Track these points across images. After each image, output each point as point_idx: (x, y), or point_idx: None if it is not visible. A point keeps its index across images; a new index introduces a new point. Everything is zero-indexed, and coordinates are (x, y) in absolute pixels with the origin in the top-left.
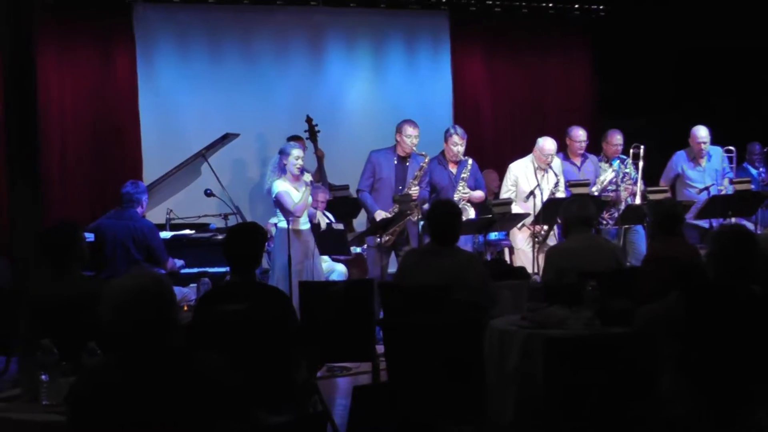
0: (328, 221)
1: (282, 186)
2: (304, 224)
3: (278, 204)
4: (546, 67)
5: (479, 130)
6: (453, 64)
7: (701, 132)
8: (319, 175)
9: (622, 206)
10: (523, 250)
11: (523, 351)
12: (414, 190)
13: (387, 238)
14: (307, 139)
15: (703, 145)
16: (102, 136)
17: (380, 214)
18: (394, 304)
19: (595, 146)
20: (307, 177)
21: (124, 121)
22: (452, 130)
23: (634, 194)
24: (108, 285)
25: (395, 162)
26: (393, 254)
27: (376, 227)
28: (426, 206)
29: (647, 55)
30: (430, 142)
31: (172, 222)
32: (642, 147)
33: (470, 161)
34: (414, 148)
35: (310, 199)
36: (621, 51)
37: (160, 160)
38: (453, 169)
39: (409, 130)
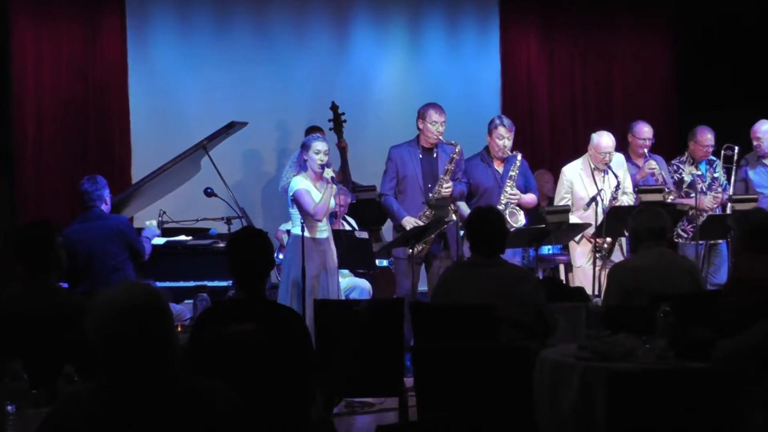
0: (350, 229)
1: (302, 183)
2: (322, 231)
3: (296, 203)
4: (614, 49)
5: (532, 123)
6: (502, 44)
7: (763, 126)
8: (341, 173)
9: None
10: (583, 267)
11: (581, 387)
12: (447, 188)
13: (420, 247)
14: (330, 129)
15: (763, 142)
16: (84, 124)
17: (409, 222)
18: (427, 328)
19: (674, 145)
20: (329, 173)
21: (111, 106)
22: (497, 121)
23: (723, 204)
24: (94, 298)
25: (420, 155)
26: (423, 267)
27: (407, 237)
28: (463, 206)
29: (742, 34)
30: (473, 136)
31: (166, 226)
32: (736, 148)
33: (519, 157)
34: (440, 137)
35: (332, 201)
36: (708, 29)
37: (152, 153)
38: (499, 167)
39: (434, 115)
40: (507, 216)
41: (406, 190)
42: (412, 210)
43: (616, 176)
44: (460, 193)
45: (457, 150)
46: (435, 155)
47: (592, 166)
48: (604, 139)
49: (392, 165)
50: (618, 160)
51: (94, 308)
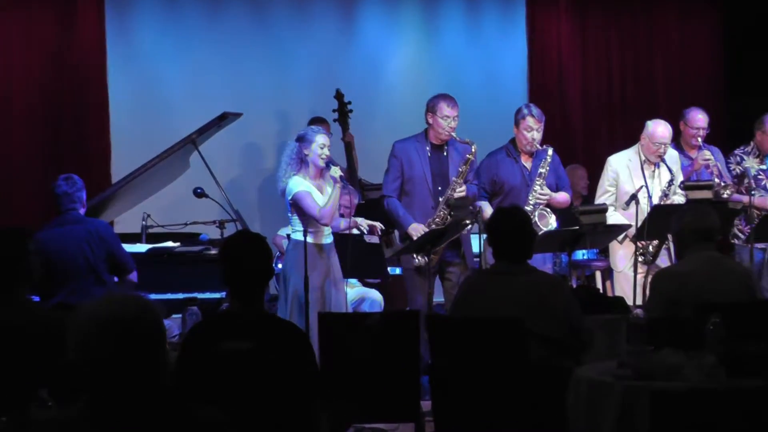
0: (357, 233)
1: (302, 184)
2: (327, 236)
3: (296, 207)
4: (655, 29)
5: (564, 113)
6: (529, 24)
7: None
8: (347, 169)
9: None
10: (624, 272)
11: (621, 409)
12: (460, 191)
13: (430, 257)
14: (335, 120)
15: None
16: (58, 116)
17: (416, 229)
18: (446, 344)
19: (722, 134)
20: (336, 171)
21: (87, 95)
22: (525, 111)
23: None
24: (76, 311)
25: (428, 153)
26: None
27: (423, 242)
28: (486, 207)
29: None
30: (497, 128)
31: (150, 231)
32: None
33: (550, 151)
34: (452, 132)
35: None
36: (758, 4)
37: (134, 148)
38: (527, 162)
39: (446, 109)
40: (536, 218)
41: (412, 192)
42: (419, 216)
43: (670, 170)
44: (472, 195)
45: (473, 150)
46: (445, 153)
47: (643, 158)
48: (660, 128)
49: (396, 163)
50: (672, 155)
51: (77, 322)
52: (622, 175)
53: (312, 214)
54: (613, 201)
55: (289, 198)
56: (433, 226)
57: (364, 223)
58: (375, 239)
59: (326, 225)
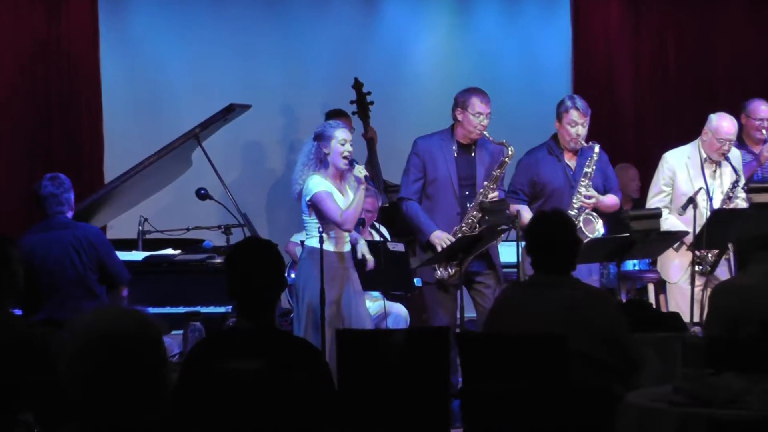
0: (380, 239)
1: (322, 183)
2: (347, 243)
3: (316, 210)
4: (717, 14)
5: (612, 106)
6: (574, 5)
7: None
8: (369, 169)
9: None
10: (679, 286)
11: None
12: (493, 197)
13: (453, 270)
14: (354, 113)
15: None
16: (45, 108)
17: (440, 238)
18: (479, 364)
19: None
20: (361, 170)
21: (78, 86)
22: (569, 103)
23: None
24: (69, 327)
25: (455, 153)
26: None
27: (454, 249)
28: (525, 212)
29: None
30: (537, 123)
31: (147, 237)
32: None
33: (597, 148)
34: (484, 131)
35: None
36: None
37: (129, 145)
38: (570, 161)
39: (478, 105)
40: (581, 224)
41: (435, 195)
42: (441, 223)
43: (735, 170)
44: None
45: (509, 153)
46: (473, 154)
47: (704, 156)
48: (725, 123)
49: (418, 162)
50: (735, 155)
51: (67, 339)
52: (680, 175)
53: (333, 218)
54: (668, 203)
55: (308, 198)
56: (460, 234)
57: (365, 250)
58: (400, 246)
59: (348, 230)
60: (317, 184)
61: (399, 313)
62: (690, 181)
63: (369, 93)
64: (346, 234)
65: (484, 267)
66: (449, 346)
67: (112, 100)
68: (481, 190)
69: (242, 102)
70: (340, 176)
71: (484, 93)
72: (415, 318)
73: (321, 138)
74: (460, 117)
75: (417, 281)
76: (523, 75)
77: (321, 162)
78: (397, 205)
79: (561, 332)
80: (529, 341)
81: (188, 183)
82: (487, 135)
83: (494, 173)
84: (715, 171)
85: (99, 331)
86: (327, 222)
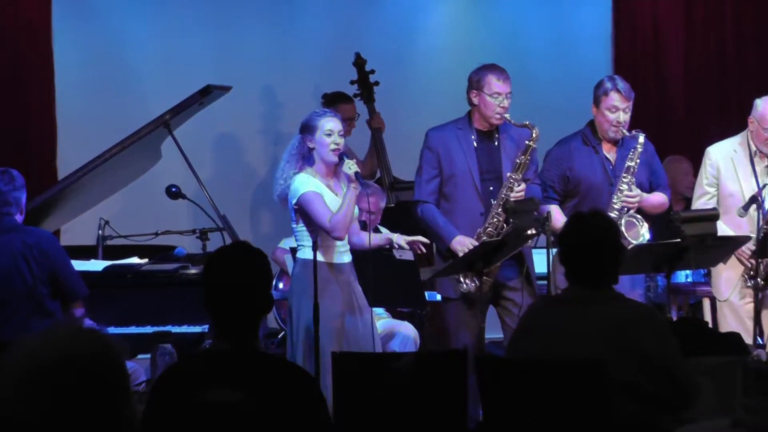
0: (386, 245)
1: (310, 183)
2: (343, 253)
3: (302, 214)
4: None
5: (661, 89)
6: None
7: None
8: (373, 163)
9: None
10: (731, 303)
11: None
12: (519, 191)
13: (486, 280)
14: (355, 96)
15: None
16: None
17: (463, 243)
18: (503, 394)
19: None
20: (351, 166)
21: (25, 64)
22: (608, 85)
23: None
24: (10, 350)
25: (474, 143)
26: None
27: (473, 258)
28: (556, 213)
29: None
30: (570, 108)
31: (109, 243)
32: None
33: (641, 138)
34: (505, 114)
35: (356, 209)
36: None
37: (87, 134)
38: (610, 153)
39: (495, 83)
40: (623, 228)
41: (453, 195)
42: (464, 226)
43: None
44: (536, 200)
45: (534, 136)
46: (496, 142)
47: (753, 149)
48: None
49: (432, 157)
50: None
51: (11, 364)
52: (724, 171)
53: (321, 223)
54: (715, 205)
55: (294, 201)
56: (485, 237)
57: (402, 240)
58: (408, 255)
59: (339, 238)
60: (303, 183)
61: (407, 333)
62: (737, 178)
63: (373, 71)
64: (339, 243)
65: (515, 277)
66: (466, 373)
67: (67, 80)
68: (506, 182)
69: (220, 83)
70: (333, 172)
71: (502, 69)
72: (427, 339)
73: (305, 129)
74: (476, 100)
75: (430, 296)
76: (554, 52)
77: (304, 158)
78: (405, 205)
79: (599, 357)
80: (561, 368)
81: (157, 179)
82: (509, 118)
83: (518, 160)
84: (767, 166)
85: (46, 356)
86: (316, 228)
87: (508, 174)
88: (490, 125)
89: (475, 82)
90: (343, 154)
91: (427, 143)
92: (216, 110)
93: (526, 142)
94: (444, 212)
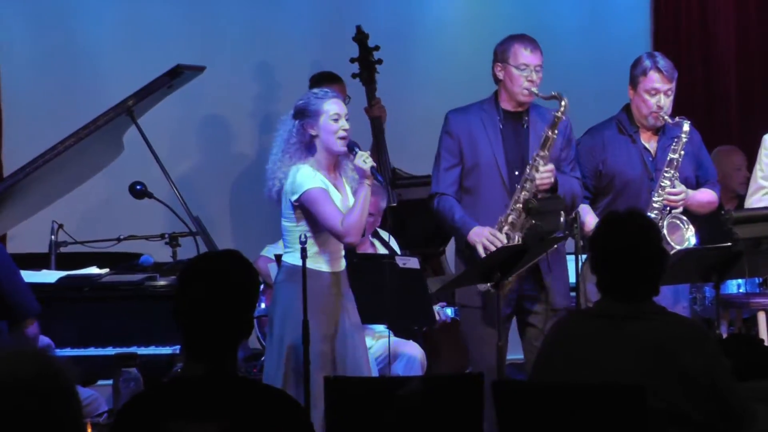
0: (385, 252)
1: (315, 177)
2: (341, 259)
3: (307, 214)
4: None
5: (707, 69)
6: None
7: None
8: (376, 156)
9: None
10: None
11: None
12: (544, 174)
13: (506, 283)
14: (354, 76)
15: None
16: None
17: (482, 235)
18: (526, 424)
19: None
20: (365, 159)
21: None
22: (648, 63)
23: None
24: None
25: (500, 125)
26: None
27: (488, 265)
28: (586, 212)
29: None
30: (604, 90)
31: (63, 250)
32: None
33: (686, 126)
34: (534, 89)
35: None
36: None
37: (37, 124)
38: (649, 142)
39: (522, 53)
40: (665, 230)
41: (476, 187)
42: (487, 222)
43: None
44: (570, 193)
45: (562, 106)
46: (525, 125)
47: None
48: None
49: (452, 143)
50: None
51: None
52: None
53: (332, 227)
54: None
55: (295, 198)
56: (506, 227)
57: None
58: (413, 261)
59: (352, 244)
60: (309, 177)
61: (412, 354)
62: None
63: (377, 48)
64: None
65: (538, 289)
66: (482, 400)
67: (12, 59)
68: (531, 163)
69: (193, 62)
70: (335, 165)
71: (531, 39)
72: (436, 361)
73: (304, 114)
74: (501, 74)
75: (443, 312)
76: (585, 24)
77: (307, 148)
78: (410, 204)
79: (637, 381)
80: (593, 394)
81: (119, 176)
82: (536, 92)
83: (545, 134)
84: None
85: None
86: (320, 231)
87: (535, 153)
88: (519, 104)
89: (500, 54)
90: (353, 145)
91: (447, 127)
92: (189, 94)
93: (554, 113)
94: (466, 207)
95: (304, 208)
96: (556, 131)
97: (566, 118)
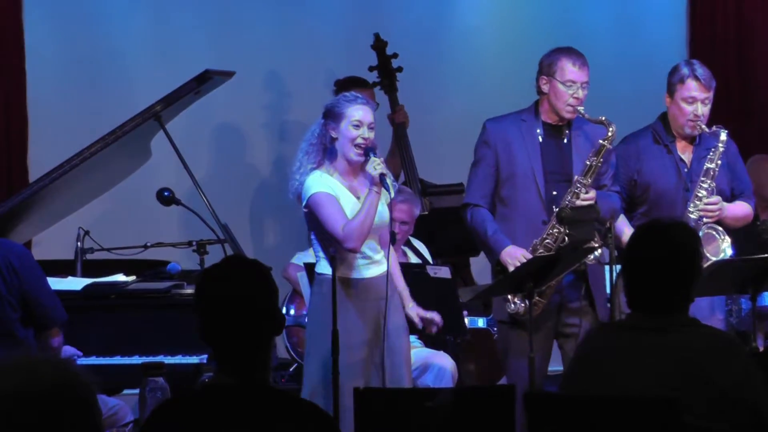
0: (417, 261)
1: (322, 182)
2: (370, 266)
3: (313, 219)
4: None
5: (743, 79)
6: None
7: None
8: (397, 163)
9: None
10: None
11: None
12: (587, 198)
13: (538, 301)
14: (374, 84)
15: None
16: None
17: (514, 256)
18: None
19: None
20: (376, 165)
21: None
22: (685, 70)
23: None
24: None
25: (540, 138)
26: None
27: (521, 276)
28: (623, 224)
29: None
30: (638, 102)
31: (89, 257)
32: None
33: (723, 135)
34: (579, 108)
35: (386, 212)
36: None
37: (64, 129)
38: (685, 153)
39: (569, 69)
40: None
41: (512, 199)
42: (522, 237)
43: None
44: (610, 210)
45: (609, 134)
46: (566, 139)
47: None
48: None
49: (489, 153)
50: None
51: None
52: None
53: (332, 231)
54: None
55: (304, 203)
56: (541, 250)
57: (414, 313)
58: (444, 271)
59: (353, 250)
60: (315, 181)
61: (443, 365)
62: None
63: (395, 56)
64: (374, 252)
65: (577, 299)
66: (514, 413)
67: (39, 66)
68: (573, 186)
69: (221, 68)
70: (356, 170)
71: (579, 54)
72: (467, 372)
73: (329, 115)
74: (545, 87)
75: (471, 321)
76: (619, 30)
77: (325, 150)
78: (440, 214)
79: (671, 395)
80: (623, 407)
81: (146, 182)
82: (582, 111)
83: (588, 162)
84: None
85: (8, 390)
86: (327, 238)
87: (576, 177)
88: (561, 119)
89: (546, 67)
90: (369, 150)
91: (484, 136)
92: (214, 101)
93: (600, 141)
94: (501, 219)
95: (312, 214)
96: (601, 159)
97: (611, 145)
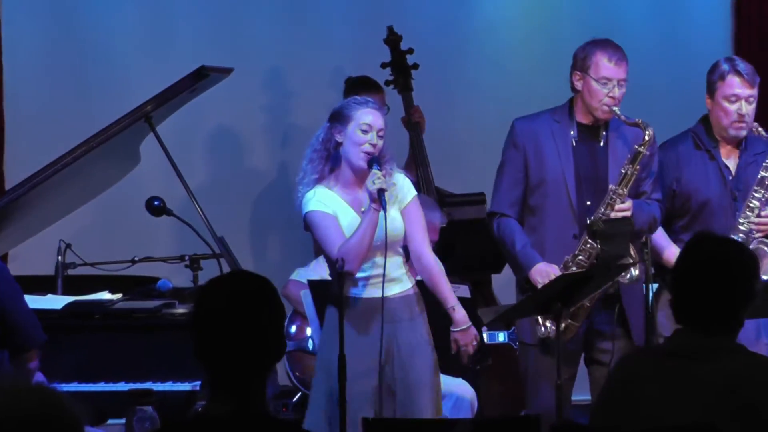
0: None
1: (320, 198)
2: (402, 281)
3: (314, 238)
4: None
5: None
6: None
7: None
8: (410, 169)
9: None
10: None
11: None
12: (623, 208)
13: (571, 324)
14: (387, 83)
15: None
16: None
17: (545, 274)
18: None
19: None
20: (376, 180)
21: None
22: (726, 67)
23: None
24: None
25: (574, 140)
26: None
27: (547, 297)
28: (661, 240)
29: None
30: (677, 103)
31: (71, 273)
32: None
33: None
34: (614, 108)
35: (387, 231)
36: None
37: (44, 131)
38: (729, 158)
39: (603, 63)
40: None
41: (542, 207)
42: (552, 251)
43: None
44: (648, 222)
45: (646, 138)
46: (602, 141)
47: None
48: None
49: (517, 156)
50: None
51: None
52: None
53: (329, 252)
54: None
55: (304, 223)
56: (574, 267)
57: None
58: (464, 289)
59: (350, 272)
60: (311, 198)
61: (461, 394)
62: None
63: (410, 51)
64: (395, 269)
65: (609, 323)
66: None
67: (17, 59)
68: (607, 196)
69: (218, 65)
70: (361, 181)
71: (616, 47)
72: (489, 401)
73: (335, 118)
74: (579, 84)
75: (490, 336)
76: (657, 26)
77: (330, 156)
78: (459, 226)
79: (714, 427)
80: None
81: (135, 190)
82: (618, 112)
83: (623, 170)
84: None
85: None
86: (326, 258)
87: (611, 187)
88: (596, 119)
89: (579, 61)
90: (374, 161)
91: (512, 137)
92: (210, 101)
93: (635, 146)
94: (528, 230)
95: (311, 232)
96: (637, 167)
97: (651, 149)
